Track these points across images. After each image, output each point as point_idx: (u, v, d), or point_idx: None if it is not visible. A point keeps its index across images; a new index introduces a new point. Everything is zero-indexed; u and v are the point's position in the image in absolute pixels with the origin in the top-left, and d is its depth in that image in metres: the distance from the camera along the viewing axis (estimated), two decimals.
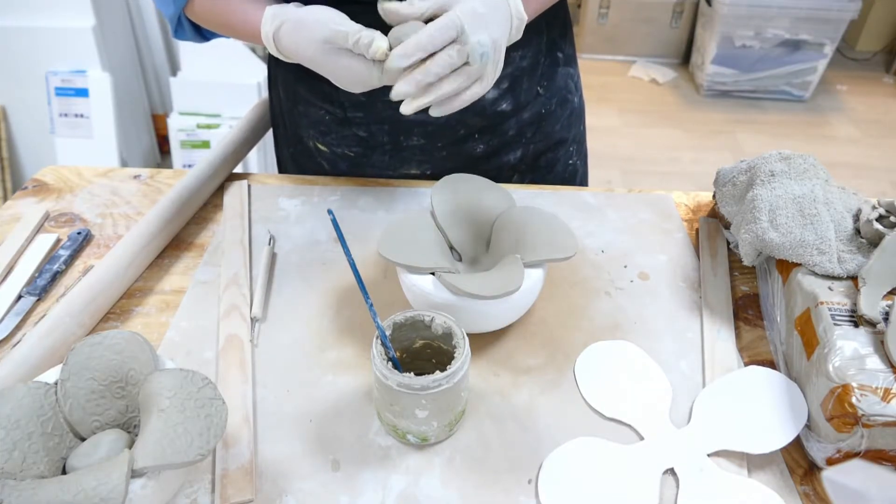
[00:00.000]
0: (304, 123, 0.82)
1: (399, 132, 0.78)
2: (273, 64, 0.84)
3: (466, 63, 0.54)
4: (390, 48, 0.54)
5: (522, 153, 0.83)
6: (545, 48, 0.78)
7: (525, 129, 0.81)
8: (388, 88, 0.72)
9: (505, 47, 0.58)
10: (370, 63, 0.55)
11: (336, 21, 0.56)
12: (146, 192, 0.79)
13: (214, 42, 0.75)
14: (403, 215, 0.63)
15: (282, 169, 0.94)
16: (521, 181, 0.85)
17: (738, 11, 2.66)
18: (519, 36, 0.60)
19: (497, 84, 0.74)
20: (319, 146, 0.82)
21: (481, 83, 0.57)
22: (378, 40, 0.54)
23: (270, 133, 0.92)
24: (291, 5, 0.61)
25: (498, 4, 0.57)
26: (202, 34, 0.73)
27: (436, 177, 0.67)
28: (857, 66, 3.17)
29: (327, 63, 0.57)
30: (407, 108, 0.55)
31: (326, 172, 0.84)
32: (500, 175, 0.83)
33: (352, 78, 0.57)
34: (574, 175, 0.90)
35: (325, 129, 0.80)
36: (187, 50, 1.97)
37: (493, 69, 0.57)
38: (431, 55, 0.53)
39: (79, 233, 0.71)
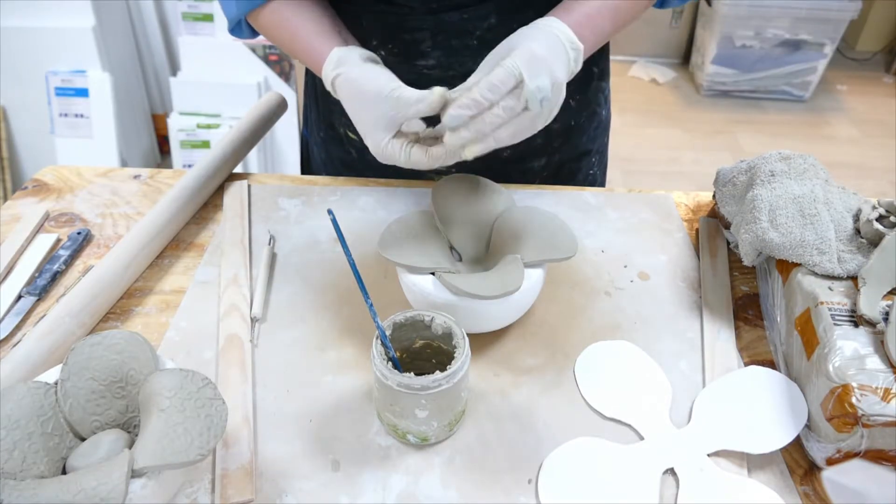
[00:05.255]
0: (337, 110, 0.82)
1: None
2: None
3: (526, 108, 0.53)
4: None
5: (547, 161, 0.83)
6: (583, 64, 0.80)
7: (553, 139, 0.82)
8: (422, 86, 0.73)
9: (565, 85, 0.57)
10: (407, 145, 0.57)
11: (395, 90, 0.55)
12: (146, 192, 0.79)
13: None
14: (403, 215, 0.63)
15: (306, 152, 0.94)
16: None
17: (738, 11, 2.66)
18: (579, 67, 0.58)
19: None
20: (350, 135, 0.83)
21: (535, 124, 0.55)
22: (436, 89, 0.54)
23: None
24: (355, 55, 0.60)
25: (555, 42, 0.56)
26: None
27: None
28: (857, 66, 3.17)
29: (375, 133, 0.58)
30: (468, 154, 0.55)
31: (354, 160, 0.84)
32: (524, 180, 0.83)
33: (386, 152, 0.58)
34: (592, 184, 0.91)
35: None
36: (187, 50, 1.97)
37: (549, 111, 0.55)
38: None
39: (79, 233, 0.71)
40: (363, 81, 0.58)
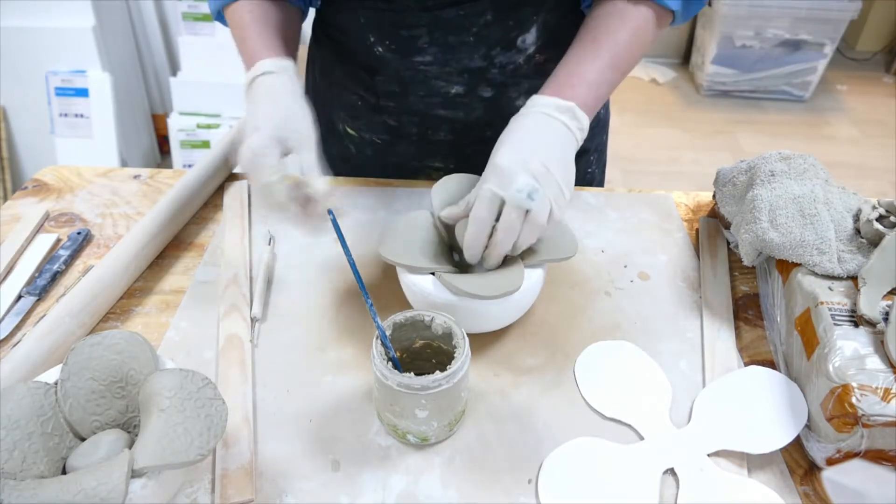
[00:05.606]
0: (336, 106, 0.83)
1: (428, 125, 0.79)
2: (313, 44, 0.85)
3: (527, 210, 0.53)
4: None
5: None
6: None
7: None
8: (421, 84, 0.74)
9: (571, 153, 0.57)
10: (282, 173, 0.54)
11: (299, 130, 0.55)
12: (146, 192, 0.79)
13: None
14: (403, 215, 0.63)
15: None
16: None
17: (738, 11, 2.66)
18: (584, 134, 0.59)
19: (528, 93, 0.77)
20: (349, 130, 0.83)
21: (548, 209, 0.54)
22: (319, 182, 0.54)
23: None
24: (300, 83, 0.60)
25: (539, 124, 0.56)
26: None
27: (459, 171, 0.68)
28: (857, 66, 3.17)
29: (263, 131, 0.54)
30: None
31: (352, 156, 0.85)
32: None
33: (255, 160, 0.54)
34: (591, 182, 0.91)
35: (355, 114, 0.81)
36: (187, 50, 1.97)
37: (556, 193, 0.54)
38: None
39: (79, 233, 0.71)
40: (296, 95, 0.58)
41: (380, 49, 0.73)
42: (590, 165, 0.90)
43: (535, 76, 0.75)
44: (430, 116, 0.77)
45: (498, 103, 0.76)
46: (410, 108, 0.77)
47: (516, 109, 0.77)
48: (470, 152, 0.81)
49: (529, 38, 0.72)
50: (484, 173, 0.55)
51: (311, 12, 0.80)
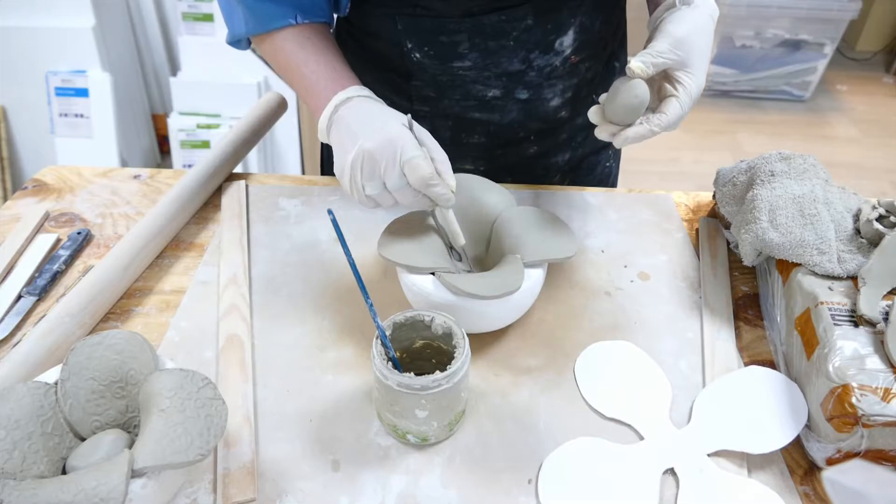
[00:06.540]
0: None
1: (462, 129, 0.79)
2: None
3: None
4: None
5: (570, 156, 0.85)
6: (605, 59, 0.81)
7: (576, 134, 0.83)
8: (458, 88, 0.74)
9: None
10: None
11: (409, 145, 0.56)
12: (146, 192, 0.79)
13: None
14: (403, 215, 0.63)
15: (327, 153, 0.93)
16: (563, 181, 0.87)
17: (738, 11, 2.65)
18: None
19: (562, 93, 0.77)
20: None
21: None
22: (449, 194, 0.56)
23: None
24: (362, 99, 0.60)
25: (709, 30, 0.59)
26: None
27: (489, 173, 0.68)
28: (857, 66, 3.17)
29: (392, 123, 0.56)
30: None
31: None
32: (547, 174, 0.85)
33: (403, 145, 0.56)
34: (608, 176, 0.92)
35: None
36: (187, 50, 1.97)
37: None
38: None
39: (79, 233, 0.71)
40: (392, 112, 0.59)
41: (417, 55, 0.72)
42: (608, 160, 0.91)
43: (568, 77, 0.76)
44: (465, 120, 0.78)
45: (532, 105, 0.77)
46: (445, 111, 0.77)
47: (550, 110, 0.79)
48: (500, 153, 0.81)
49: (567, 41, 0.72)
50: (692, 87, 0.57)
51: None
